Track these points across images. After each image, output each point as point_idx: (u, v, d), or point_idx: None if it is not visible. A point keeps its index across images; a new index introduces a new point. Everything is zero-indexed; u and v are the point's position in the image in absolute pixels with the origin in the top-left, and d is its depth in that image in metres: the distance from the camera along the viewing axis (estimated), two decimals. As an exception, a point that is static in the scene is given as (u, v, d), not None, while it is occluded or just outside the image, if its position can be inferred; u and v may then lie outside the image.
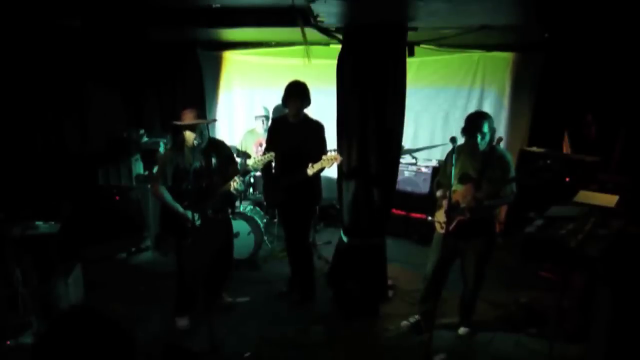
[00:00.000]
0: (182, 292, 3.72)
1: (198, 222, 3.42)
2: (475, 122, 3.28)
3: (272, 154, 3.52)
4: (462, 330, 3.66)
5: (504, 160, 3.32)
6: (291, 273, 4.23)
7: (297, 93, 3.74)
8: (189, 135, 3.41)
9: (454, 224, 3.33)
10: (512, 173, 3.31)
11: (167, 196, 3.46)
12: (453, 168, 3.12)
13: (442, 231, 3.43)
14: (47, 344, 1.08)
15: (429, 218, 3.60)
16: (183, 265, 3.65)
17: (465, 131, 3.31)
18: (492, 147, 3.34)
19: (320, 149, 3.68)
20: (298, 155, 3.71)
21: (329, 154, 3.50)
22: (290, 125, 3.85)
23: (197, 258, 3.46)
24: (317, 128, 3.78)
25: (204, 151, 3.46)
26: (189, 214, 3.39)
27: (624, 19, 3.35)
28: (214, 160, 3.50)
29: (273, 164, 3.98)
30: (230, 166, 3.60)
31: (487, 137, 3.26)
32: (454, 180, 3.21)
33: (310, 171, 3.59)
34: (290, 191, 3.79)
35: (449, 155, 3.42)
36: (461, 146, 3.24)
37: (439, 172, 3.66)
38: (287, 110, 3.87)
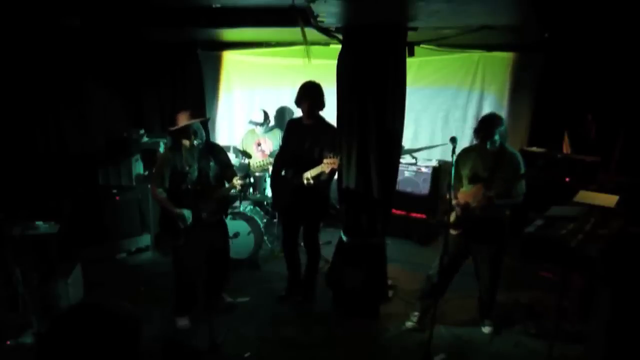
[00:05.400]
0: (180, 292, 3.73)
1: (189, 222, 3.45)
2: (489, 126, 3.32)
3: (271, 160, 3.55)
4: (486, 329, 3.69)
5: (515, 159, 3.40)
6: (289, 275, 4.22)
7: (306, 94, 3.75)
8: (185, 139, 3.42)
9: (462, 225, 3.39)
10: (523, 172, 3.40)
11: (164, 197, 3.49)
12: (466, 169, 3.15)
13: (455, 232, 3.47)
14: (52, 340, 1.09)
15: (452, 232, 3.53)
16: (178, 265, 3.67)
17: (477, 133, 3.36)
18: (502, 147, 3.40)
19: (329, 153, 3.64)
20: (308, 157, 3.71)
21: (327, 158, 3.47)
22: (303, 127, 3.85)
23: (192, 259, 3.48)
24: (330, 132, 3.75)
25: (201, 153, 3.47)
26: (185, 212, 3.43)
27: (624, 20, 3.35)
28: (211, 164, 3.51)
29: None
30: (226, 170, 3.61)
31: (498, 141, 3.34)
32: (465, 181, 3.24)
33: (308, 175, 3.59)
34: (296, 195, 3.78)
35: (464, 156, 3.49)
36: (471, 147, 3.28)
37: (451, 176, 3.36)
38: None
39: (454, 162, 3.33)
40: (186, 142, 3.42)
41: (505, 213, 3.52)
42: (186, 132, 3.38)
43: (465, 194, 3.43)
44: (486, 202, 3.31)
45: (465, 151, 3.56)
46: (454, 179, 3.49)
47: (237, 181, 3.39)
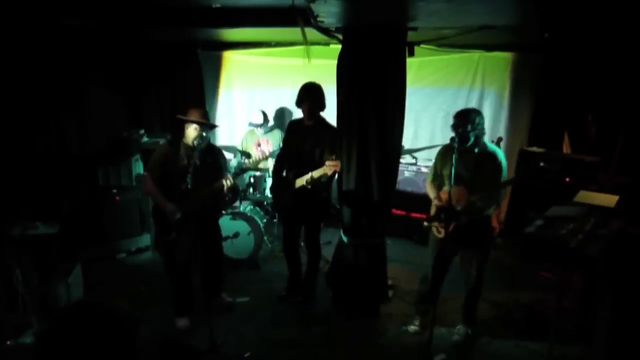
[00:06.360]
0: (177, 292, 3.73)
1: (179, 217, 3.44)
2: (462, 115, 3.28)
3: (266, 155, 3.55)
4: (461, 329, 3.65)
5: (496, 159, 3.28)
6: (290, 275, 4.22)
7: (307, 95, 3.74)
8: (191, 132, 3.42)
9: (451, 227, 3.34)
10: (504, 173, 3.31)
11: (157, 190, 3.51)
12: (453, 168, 3.12)
13: (440, 235, 3.45)
14: (50, 340, 1.09)
15: (425, 224, 3.59)
16: (170, 264, 3.69)
17: (452, 127, 3.31)
18: (484, 146, 3.33)
19: (331, 155, 3.61)
20: (309, 158, 3.71)
21: (329, 161, 3.46)
22: (304, 128, 3.84)
23: (183, 255, 3.50)
24: (331, 133, 3.74)
25: (200, 151, 3.47)
26: (178, 215, 3.43)
27: (624, 20, 3.35)
28: (208, 162, 3.52)
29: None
30: (221, 172, 3.61)
31: (471, 134, 3.24)
32: (452, 182, 3.22)
33: (308, 177, 3.59)
34: (297, 196, 3.78)
35: (443, 154, 3.46)
36: (450, 145, 3.27)
37: (430, 173, 3.65)
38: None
39: (434, 158, 3.43)
40: (190, 136, 3.42)
41: (489, 213, 3.44)
42: (194, 123, 3.41)
43: (447, 193, 3.42)
44: (469, 206, 3.25)
45: (445, 149, 3.49)
46: (432, 175, 3.54)
47: (227, 180, 3.40)
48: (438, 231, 3.48)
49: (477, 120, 3.23)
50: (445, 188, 3.46)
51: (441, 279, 3.57)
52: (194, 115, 3.45)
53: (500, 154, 3.35)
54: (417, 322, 3.73)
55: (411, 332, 3.70)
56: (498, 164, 3.27)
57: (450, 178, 3.15)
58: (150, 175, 3.55)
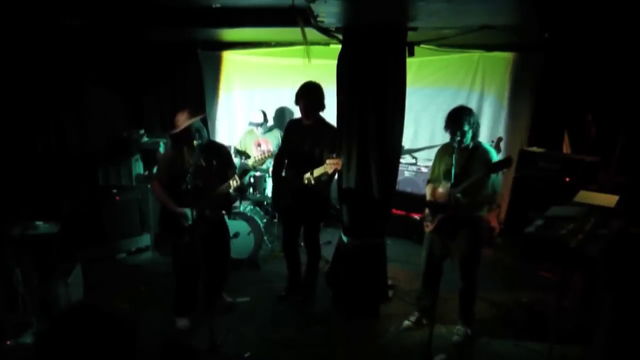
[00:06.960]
0: (181, 292, 3.72)
1: (190, 221, 3.42)
2: (456, 116, 3.29)
3: (271, 152, 3.55)
4: (460, 330, 3.64)
5: (487, 155, 3.30)
6: (289, 275, 4.22)
7: (304, 94, 3.74)
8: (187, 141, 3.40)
9: (434, 222, 3.41)
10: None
11: (166, 195, 3.49)
12: (453, 168, 3.13)
13: (427, 229, 3.53)
14: (49, 342, 1.09)
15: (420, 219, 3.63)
16: (179, 265, 3.66)
17: (447, 127, 3.31)
18: (477, 144, 3.35)
19: (331, 154, 3.60)
20: (308, 158, 3.71)
21: (330, 159, 3.46)
22: (303, 127, 3.84)
23: (194, 257, 3.47)
24: (331, 133, 3.74)
25: (204, 151, 3.45)
26: (188, 211, 3.41)
27: (624, 20, 3.35)
28: (213, 162, 3.51)
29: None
30: (228, 169, 3.60)
31: (469, 134, 3.27)
32: (453, 180, 3.23)
33: (308, 175, 3.58)
34: (297, 196, 3.78)
35: (442, 152, 3.50)
36: (448, 143, 3.29)
37: (430, 173, 3.69)
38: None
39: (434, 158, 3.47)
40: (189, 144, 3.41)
41: (480, 214, 3.42)
42: (188, 133, 3.34)
43: (438, 190, 3.45)
44: (451, 202, 3.23)
45: (444, 147, 3.51)
46: (431, 175, 3.58)
47: (233, 181, 3.38)
48: (426, 225, 3.52)
49: (471, 120, 3.28)
50: (440, 185, 3.48)
51: (436, 274, 3.55)
52: (180, 120, 3.37)
53: (494, 153, 3.39)
54: (412, 318, 3.75)
55: (404, 327, 3.71)
56: (487, 160, 3.27)
57: (451, 177, 3.16)
58: (159, 180, 3.54)
